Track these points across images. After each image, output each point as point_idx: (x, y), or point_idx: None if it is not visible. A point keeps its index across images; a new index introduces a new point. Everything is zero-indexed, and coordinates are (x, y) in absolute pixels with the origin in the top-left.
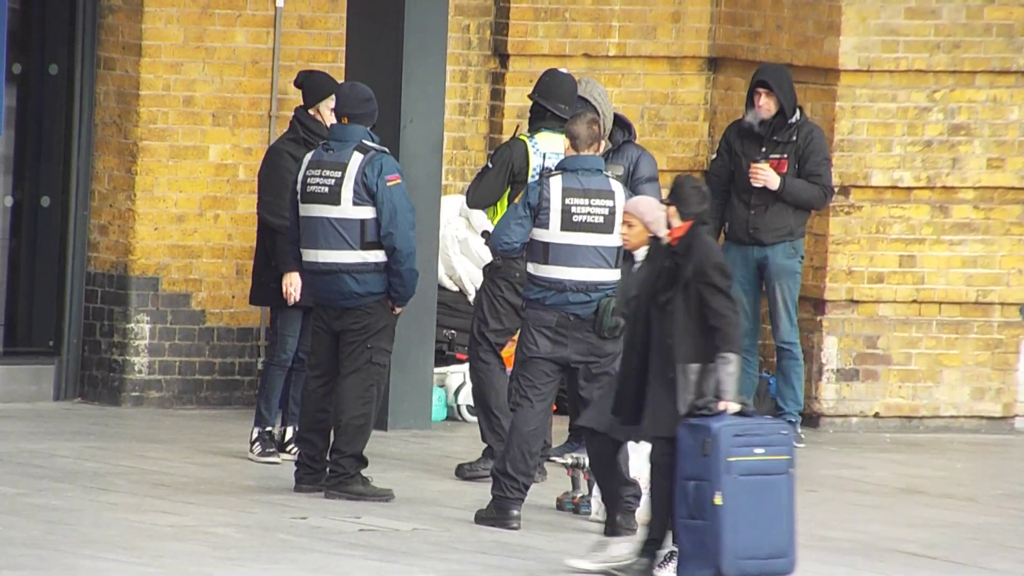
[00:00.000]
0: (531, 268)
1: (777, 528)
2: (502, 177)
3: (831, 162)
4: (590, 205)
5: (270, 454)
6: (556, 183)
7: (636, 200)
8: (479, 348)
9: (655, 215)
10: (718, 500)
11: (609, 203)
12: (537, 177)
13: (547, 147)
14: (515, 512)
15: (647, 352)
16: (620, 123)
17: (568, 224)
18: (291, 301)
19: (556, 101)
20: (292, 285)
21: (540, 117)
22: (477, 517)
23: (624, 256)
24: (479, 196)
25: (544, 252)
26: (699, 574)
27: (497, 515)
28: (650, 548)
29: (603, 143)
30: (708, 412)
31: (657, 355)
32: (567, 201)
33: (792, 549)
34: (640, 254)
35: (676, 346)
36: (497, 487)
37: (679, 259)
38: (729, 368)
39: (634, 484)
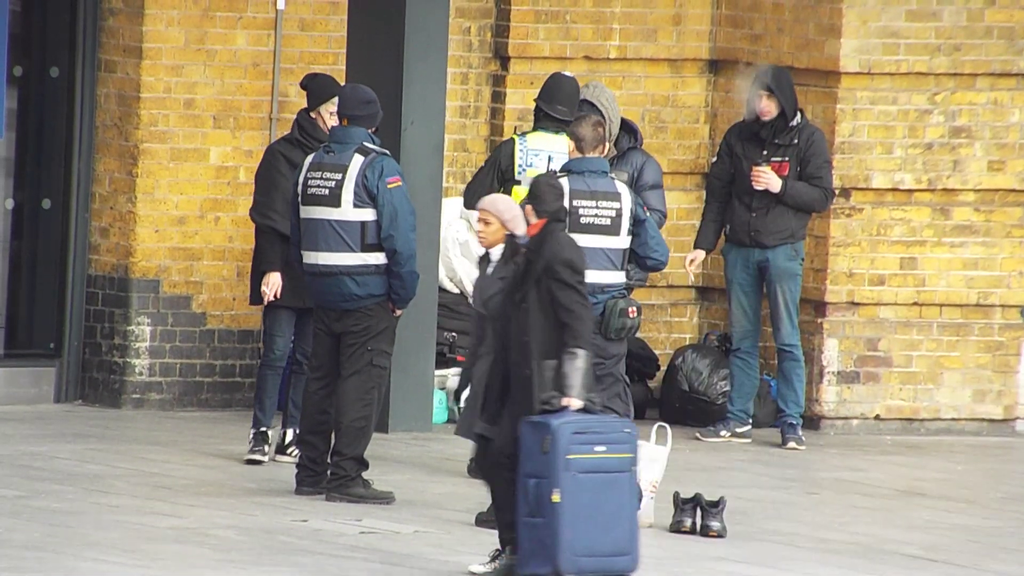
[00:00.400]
0: None
1: (618, 526)
2: (490, 176)
3: (832, 164)
4: (597, 207)
5: (254, 452)
6: (563, 185)
7: (494, 198)
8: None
9: (513, 213)
10: (556, 497)
11: (616, 205)
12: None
13: (536, 146)
14: None
15: (509, 351)
16: (626, 128)
17: (576, 226)
18: (266, 300)
19: (554, 103)
20: (268, 284)
21: (539, 118)
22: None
23: (481, 257)
24: (469, 193)
25: None
26: (538, 572)
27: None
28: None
29: (608, 146)
30: (551, 408)
31: (516, 353)
32: (575, 203)
33: (634, 547)
34: (496, 253)
35: (532, 343)
36: None
37: (531, 256)
38: (576, 363)
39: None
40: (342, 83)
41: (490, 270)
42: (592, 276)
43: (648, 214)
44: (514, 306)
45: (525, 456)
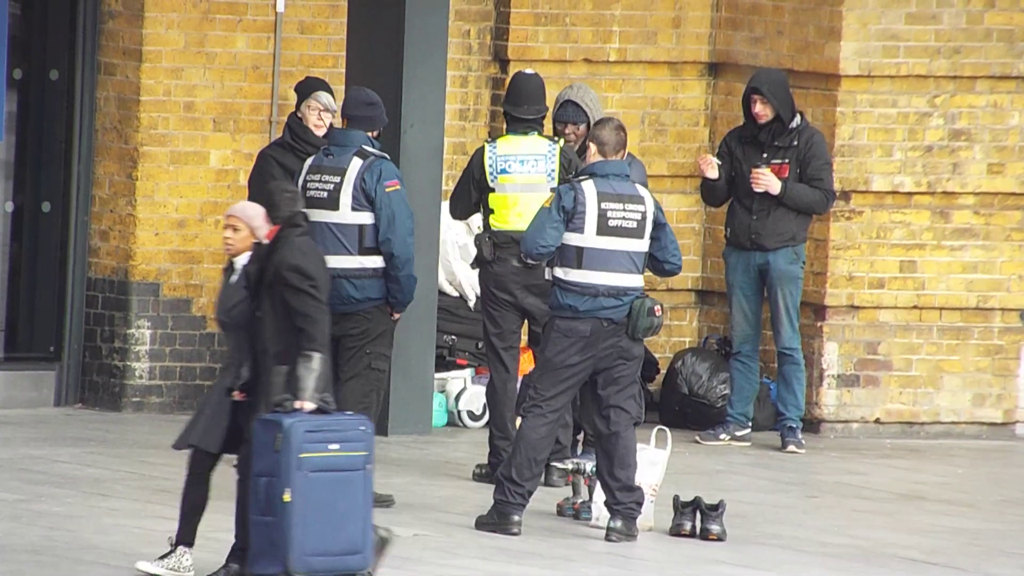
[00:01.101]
0: (560, 273)
1: (351, 524)
2: (466, 185)
3: (832, 166)
4: (624, 209)
5: None
6: (590, 187)
7: (243, 205)
8: (488, 361)
9: (262, 220)
10: (287, 497)
11: (641, 208)
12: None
13: (506, 151)
14: (516, 518)
15: (254, 358)
16: None
17: (604, 228)
18: None
19: (520, 104)
20: None
21: (508, 122)
22: (477, 523)
23: (225, 266)
24: (452, 204)
25: (578, 257)
26: (268, 571)
27: (498, 520)
28: (239, 554)
29: (625, 150)
30: (284, 410)
31: (258, 362)
32: (603, 205)
33: (367, 545)
34: (241, 261)
35: (265, 350)
36: (500, 492)
37: (264, 262)
38: (311, 366)
39: (638, 490)
40: (337, 85)
41: (234, 279)
42: (616, 279)
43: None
44: (253, 313)
45: (257, 455)
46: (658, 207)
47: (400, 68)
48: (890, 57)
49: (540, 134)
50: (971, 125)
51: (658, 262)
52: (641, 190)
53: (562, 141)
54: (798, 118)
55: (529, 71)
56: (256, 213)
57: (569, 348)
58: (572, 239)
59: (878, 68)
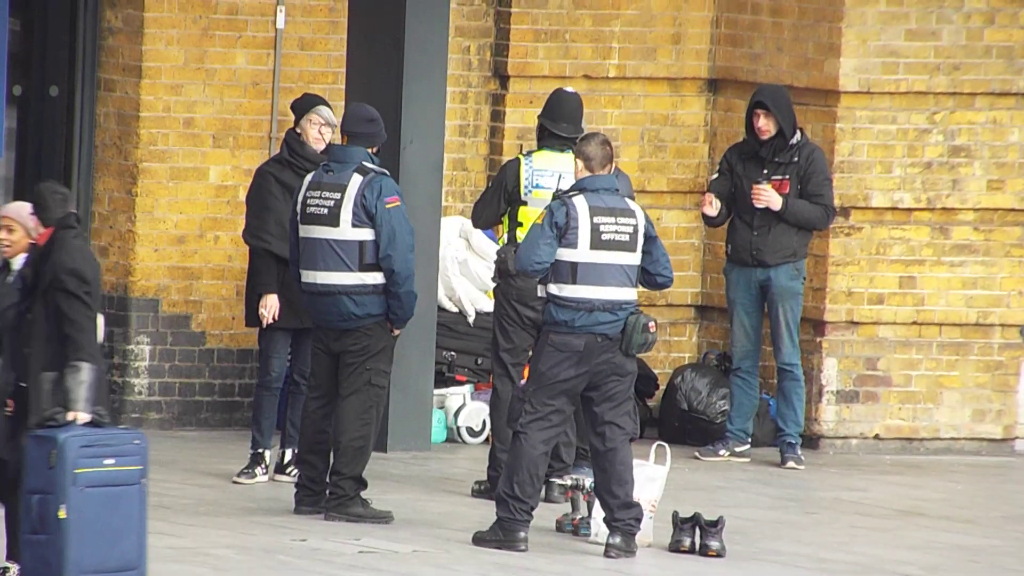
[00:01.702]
0: (554, 289)
1: (127, 540)
2: (497, 195)
3: (832, 182)
4: (616, 223)
5: (241, 475)
6: (581, 202)
7: (17, 205)
8: (494, 375)
9: (35, 221)
10: (62, 513)
11: (633, 221)
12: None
13: (543, 165)
14: (522, 534)
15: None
16: None
17: (597, 243)
18: (264, 323)
19: (559, 121)
20: (267, 307)
21: (543, 136)
22: (476, 539)
23: (0, 266)
24: (476, 213)
25: (572, 272)
26: None
27: (504, 537)
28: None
29: (613, 164)
30: (56, 424)
31: (21, 367)
32: (595, 220)
33: (143, 560)
34: (18, 262)
35: (34, 355)
36: (504, 509)
37: (38, 266)
38: (80, 376)
39: (636, 507)
40: (337, 102)
41: (11, 279)
42: (611, 293)
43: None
44: (21, 317)
45: (30, 471)
46: (648, 220)
47: (400, 84)
48: (890, 73)
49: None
50: (971, 141)
51: (650, 275)
52: (631, 204)
53: None
54: (798, 134)
55: (570, 89)
56: (30, 213)
57: (563, 363)
58: (566, 254)
59: (878, 84)
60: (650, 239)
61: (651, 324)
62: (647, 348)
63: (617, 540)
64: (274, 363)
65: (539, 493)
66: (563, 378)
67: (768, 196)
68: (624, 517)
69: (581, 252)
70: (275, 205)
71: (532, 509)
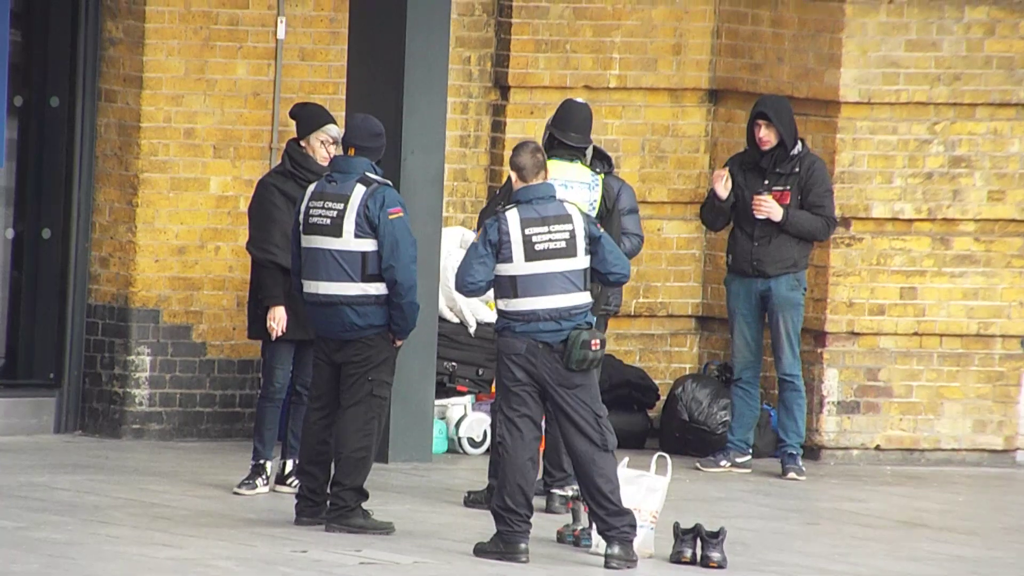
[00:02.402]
0: (501, 304)
1: None
2: (503, 202)
3: (833, 193)
4: (550, 231)
5: (242, 486)
6: (513, 216)
7: None
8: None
9: None
10: None
11: (568, 227)
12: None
13: (551, 174)
14: (523, 545)
15: None
16: (599, 155)
17: (532, 254)
18: (274, 336)
19: (568, 131)
20: (275, 319)
21: (551, 146)
22: (477, 550)
23: None
24: (481, 222)
25: (512, 286)
26: None
27: (505, 549)
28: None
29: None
30: None
31: None
32: (527, 232)
33: None
34: None
35: None
36: (502, 523)
37: None
38: None
39: (628, 514)
40: (338, 112)
41: None
42: (555, 301)
43: (602, 231)
44: None
45: None
46: (590, 221)
47: (401, 95)
48: (890, 84)
49: (583, 163)
50: (971, 152)
51: (601, 275)
52: (568, 207)
53: (603, 174)
54: (799, 145)
55: (580, 100)
56: None
57: (512, 367)
58: (504, 269)
59: (878, 95)
60: (594, 239)
61: (594, 342)
62: (589, 365)
63: (616, 550)
64: (278, 375)
65: (531, 501)
66: (519, 379)
67: (769, 207)
68: (618, 524)
69: (517, 265)
70: (279, 216)
71: (528, 518)
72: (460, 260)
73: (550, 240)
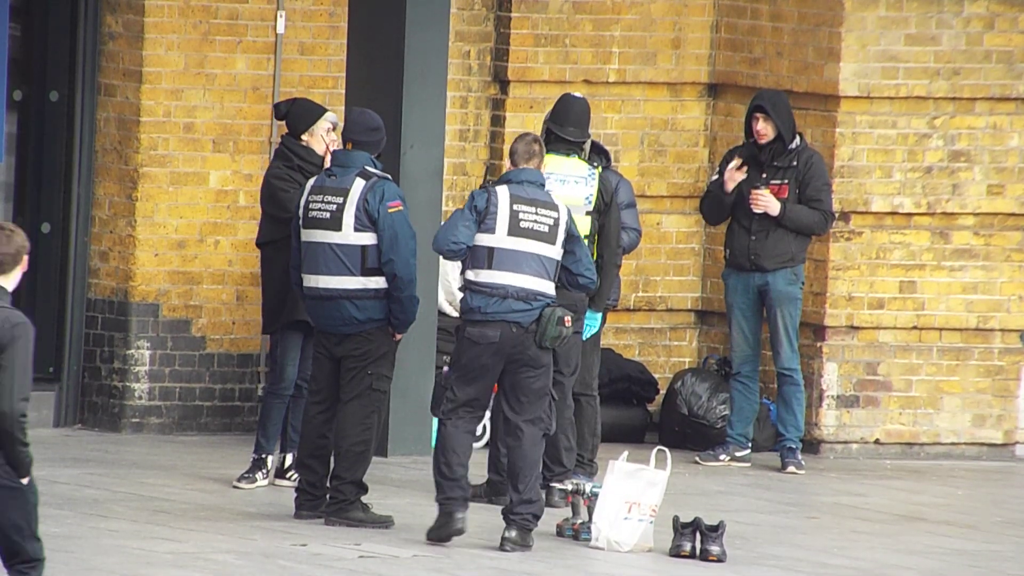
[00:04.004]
0: (471, 275)
1: None
2: None
3: (832, 187)
4: (536, 213)
5: (241, 480)
6: (503, 190)
7: None
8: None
9: None
10: None
11: (554, 214)
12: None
13: (548, 168)
14: (459, 515)
15: None
16: (597, 150)
17: (515, 229)
18: None
19: (566, 125)
20: None
21: (549, 140)
22: (428, 536)
23: None
24: None
25: (488, 257)
26: None
27: (442, 521)
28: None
29: (542, 161)
30: None
31: None
32: (515, 207)
33: None
34: None
35: None
36: (439, 491)
37: None
38: None
39: (536, 503)
40: (337, 106)
41: None
42: (526, 281)
43: (581, 236)
44: None
45: None
46: (572, 220)
47: (400, 89)
48: (889, 78)
49: (580, 157)
50: (970, 146)
51: (572, 275)
52: (556, 199)
53: (600, 168)
54: (798, 139)
55: (578, 95)
56: None
57: (481, 354)
58: (483, 239)
59: (877, 89)
60: (573, 238)
61: (567, 318)
62: (562, 341)
63: (512, 534)
64: (289, 371)
65: (466, 473)
66: (483, 364)
67: (766, 201)
68: (522, 512)
69: (498, 237)
70: (295, 197)
71: (465, 488)
72: (444, 223)
73: (536, 221)
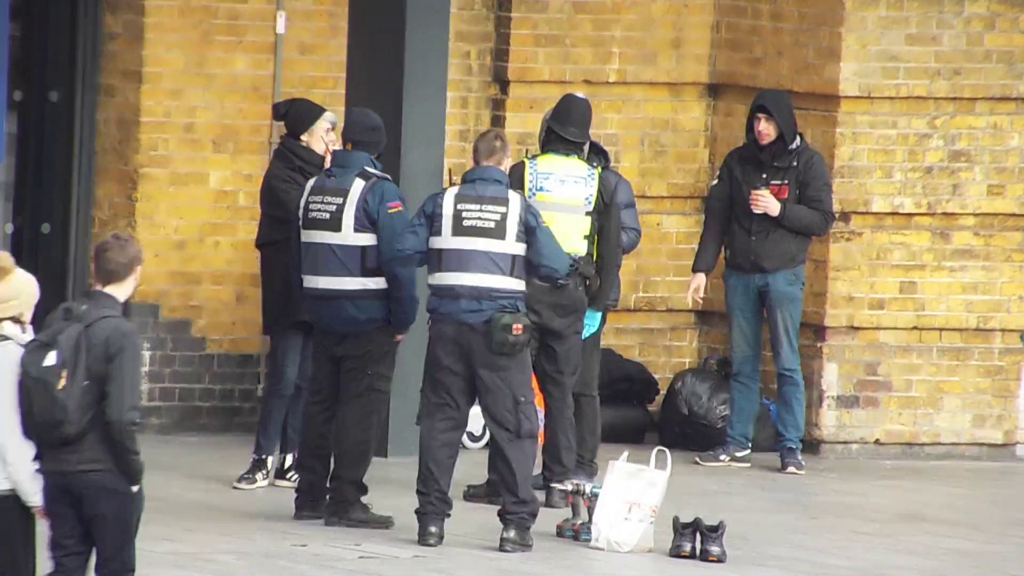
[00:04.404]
0: (430, 279)
1: None
2: None
3: (832, 188)
4: (481, 210)
5: (241, 481)
6: (451, 192)
7: None
8: None
9: None
10: None
11: (502, 209)
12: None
13: (547, 168)
14: (432, 528)
15: None
16: (595, 150)
17: (459, 229)
18: None
19: (567, 125)
20: None
21: (549, 140)
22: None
23: None
24: None
25: (438, 259)
26: None
27: (419, 532)
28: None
29: (507, 159)
30: None
31: None
32: (458, 207)
33: None
34: None
35: None
36: (417, 503)
37: None
38: None
39: (530, 503)
40: (338, 106)
41: None
42: (475, 279)
43: (542, 223)
44: None
45: None
46: (530, 211)
47: (400, 89)
48: (890, 78)
49: (580, 158)
50: (971, 146)
51: (533, 266)
52: (511, 194)
53: (599, 168)
54: (798, 139)
55: (580, 95)
56: None
57: (441, 353)
58: (433, 242)
59: (878, 89)
60: (531, 230)
61: (516, 326)
62: (512, 349)
63: (511, 534)
64: (289, 372)
65: (442, 485)
66: (445, 365)
67: (766, 202)
68: (517, 511)
69: (444, 239)
70: (296, 198)
71: (440, 501)
72: None
73: (479, 218)
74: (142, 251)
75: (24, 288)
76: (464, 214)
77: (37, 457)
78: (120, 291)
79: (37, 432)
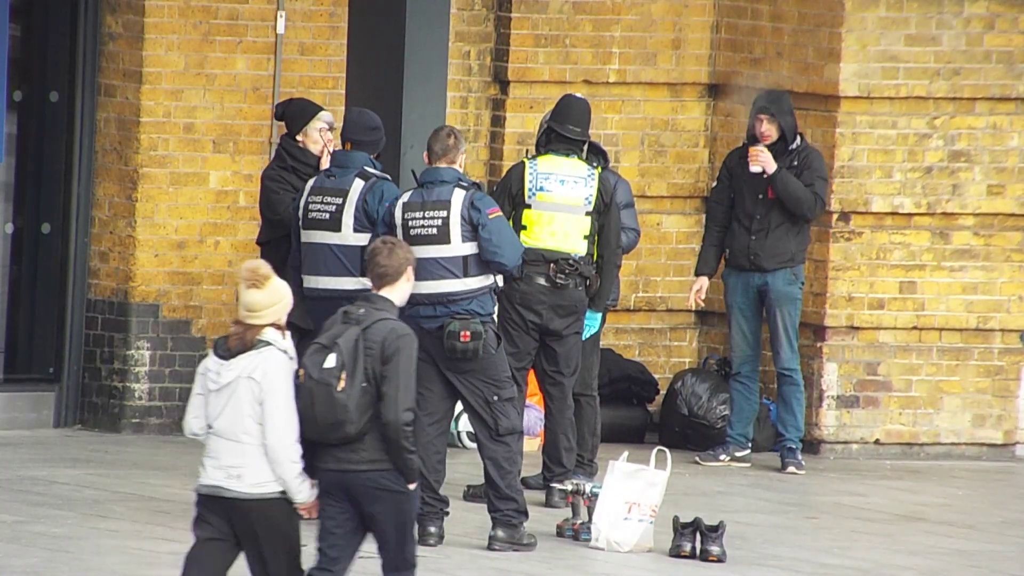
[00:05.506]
0: None
1: None
2: (501, 198)
3: (828, 183)
4: (424, 217)
5: None
6: (400, 201)
7: None
8: None
9: None
10: None
11: (442, 213)
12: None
13: (547, 169)
14: (432, 528)
15: None
16: (595, 150)
17: (408, 238)
18: None
19: (567, 124)
20: None
21: (549, 140)
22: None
23: None
24: None
25: None
26: None
27: (418, 533)
28: None
29: (462, 157)
30: None
31: None
32: (406, 216)
33: None
34: None
35: None
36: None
37: None
38: None
39: (515, 500)
40: (338, 106)
41: None
42: (429, 287)
43: (490, 217)
44: None
45: None
46: (474, 208)
47: (400, 89)
48: (890, 79)
49: (580, 158)
50: (971, 146)
51: (485, 261)
52: (454, 195)
53: (599, 168)
54: (798, 139)
55: (579, 95)
56: None
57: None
58: None
59: (878, 89)
60: (479, 226)
61: (464, 333)
62: (461, 356)
63: (499, 532)
64: None
65: (437, 484)
66: (422, 364)
67: (764, 158)
68: (502, 508)
69: None
70: (284, 199)
71: (435, 501)
72: None
73: (423, 226)
74: (412, 253)
75: (283, 295)
76: (411, 223)
77: (303, 456)
78: (394, 293)
79: (319, 433)
